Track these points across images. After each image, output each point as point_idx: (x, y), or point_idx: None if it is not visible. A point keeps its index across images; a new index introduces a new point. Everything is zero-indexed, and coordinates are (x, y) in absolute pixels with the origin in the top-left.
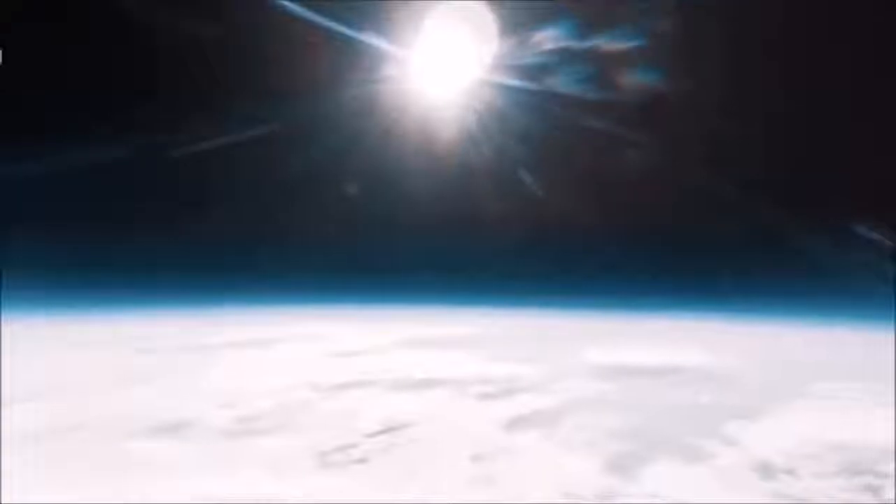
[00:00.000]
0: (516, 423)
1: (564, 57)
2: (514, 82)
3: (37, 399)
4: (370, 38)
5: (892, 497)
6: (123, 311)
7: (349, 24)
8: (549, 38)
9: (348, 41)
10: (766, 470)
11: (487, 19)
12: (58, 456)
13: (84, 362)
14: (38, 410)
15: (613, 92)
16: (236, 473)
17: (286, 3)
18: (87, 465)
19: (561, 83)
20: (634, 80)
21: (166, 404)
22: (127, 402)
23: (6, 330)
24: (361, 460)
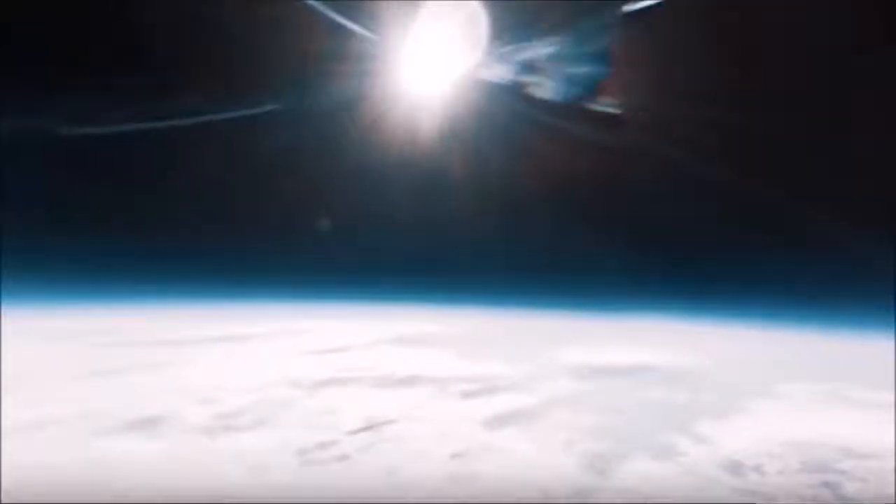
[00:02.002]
0: (496, 422)
1: (556, 60)
2: (504, 82)
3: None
4: (360, 30)
5: (848, 492)
6: (95, 303)
7: (340, 13)
8: (540, 41)
9: (337, 30)
10: (734, 467)
11: (481, 18)
12: (26, 454)
13: (53, 356)
14: (2, 407)
15: (600, 96)
16: (215, 471)
17: None
18: (58, 463)
19: (550, 86)
20: (620, 84)
21: (141, 400)
22: (100, 397)
23: None
24: (342, 458)
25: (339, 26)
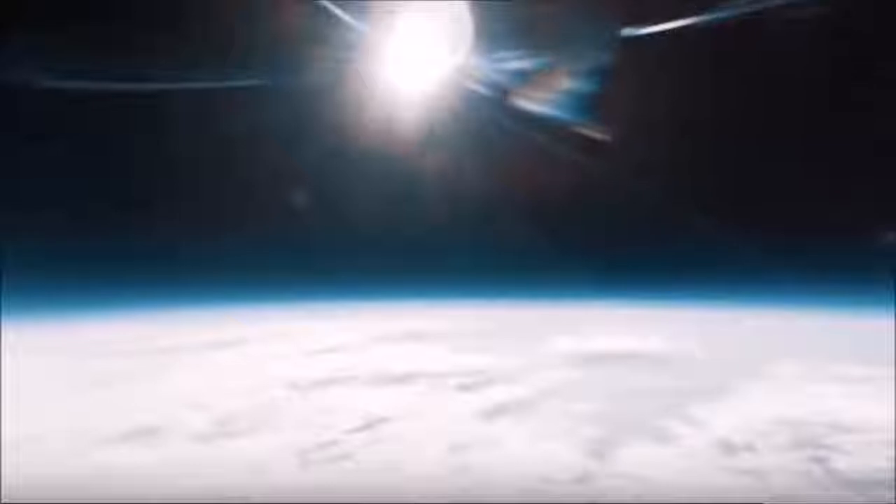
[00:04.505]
0: (493, 413)
1: (542, 74)
2: (486, 89)
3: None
4: (348, 18)
5: (837, 466)
6: (81, 314)
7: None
8: (528, 54)
9: (324, 16)
10: (727, 447)
11: (468, 21)
12: (26, 466)
13: (47, 369)
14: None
15: (582, 116)
16: (215, 476)
17: None
18: (58, 473)
19: (533, 99)
20: (604, 107)
21: (137, 409)
22: (94, 408)
23: None
24: (343, 457)
25: (328, 12)
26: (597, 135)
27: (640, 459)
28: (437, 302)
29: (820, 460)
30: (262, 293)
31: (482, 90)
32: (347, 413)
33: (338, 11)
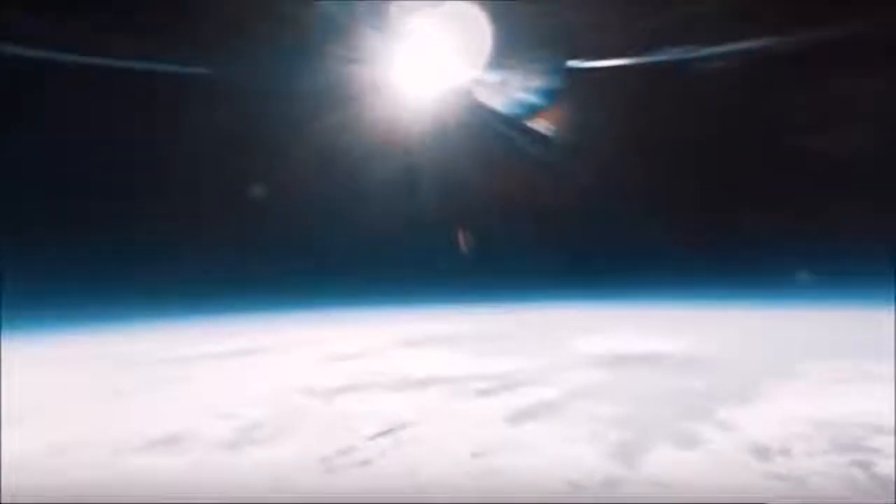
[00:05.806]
0: (516, 417)
1: (511, 84)
2: (490, 98)
3: (15, 422)
4: (360, 18)
5: (882, 471)
6: (98, 326)
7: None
8: (500, 66)
9: (335, 17)
10: (760, 452)
11: (484, 30)
12: (49, 477)
13: (64, 381)
14: (18, 433)
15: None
16: (239, 484)
17: None
18: (83, 483)
19: (502, 100)
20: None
21: (160, 419)
22: (117, 418)
23: None
24: (365, 463)
25: (336, 13)
26: (551, 133)
27: (669, 464)
28: (452, 306)
29: (862, 464)
30: (278, 301)
31: (479, 96)
32: (369, 418)
33: (346, 14)
